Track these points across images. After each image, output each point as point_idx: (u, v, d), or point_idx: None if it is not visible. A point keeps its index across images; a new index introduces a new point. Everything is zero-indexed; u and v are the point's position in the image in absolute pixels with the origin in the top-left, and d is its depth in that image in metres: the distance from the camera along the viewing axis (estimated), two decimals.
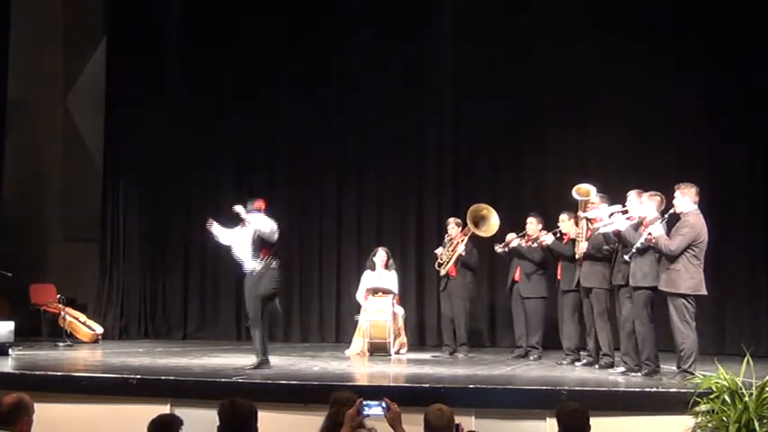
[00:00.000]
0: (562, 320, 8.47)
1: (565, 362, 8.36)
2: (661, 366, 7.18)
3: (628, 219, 7.23)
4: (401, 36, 10.90)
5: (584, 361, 8.14)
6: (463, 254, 9.18)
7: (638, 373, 7.12)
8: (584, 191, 7.97)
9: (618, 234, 7.22)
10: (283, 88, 11.08)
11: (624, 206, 7.38)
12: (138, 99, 11.30)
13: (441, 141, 10.95)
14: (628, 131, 10.08)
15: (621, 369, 7.41)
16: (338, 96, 11.17)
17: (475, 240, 9.32)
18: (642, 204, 7.17)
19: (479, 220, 9.24)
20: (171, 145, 11.42)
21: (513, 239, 9.01)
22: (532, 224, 8.98)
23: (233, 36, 11.17)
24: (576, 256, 7.99)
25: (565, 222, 8.39)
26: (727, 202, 9.55)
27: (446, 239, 9.41)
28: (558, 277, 8.49)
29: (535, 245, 8.78)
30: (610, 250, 7.54)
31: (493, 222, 9.20)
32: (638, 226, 7.12)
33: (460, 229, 9.30)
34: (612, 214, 7.47)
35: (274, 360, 8.50)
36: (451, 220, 9.46)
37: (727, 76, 9.89)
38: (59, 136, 12.02)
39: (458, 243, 9.22)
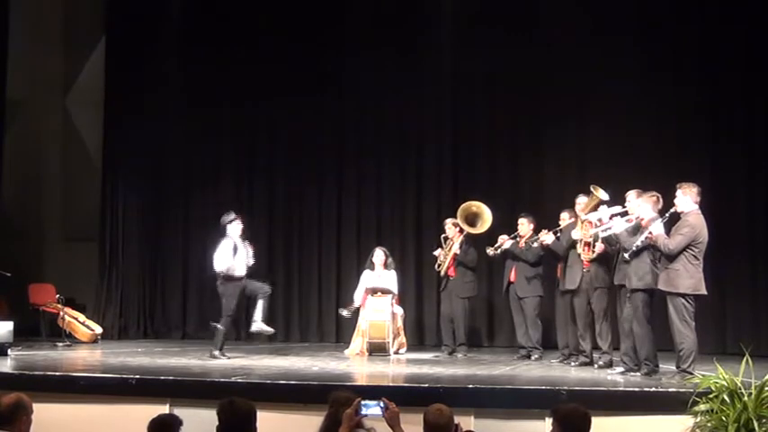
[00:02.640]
0: (563, 320, 8.45)
1: (562, 361, 8.37)
2: (660, 366, 7.18)
3: (627, 221, 7.23)
4: (400, 36, 10.90)
5: (581, 360, 8.12)
6: (458, 252, 9.18)
7: (637, 373, 7.12)
8: (598, 195, 7.93)
9: (616, 238, 7.23)
10: (282, 89, 11.06)
11: (624, 207, 7.38)
12: (138, 99, 11.29)
13: (440, 141, 10.94)
14: (627, 131, 10.06)
15: (621, 369, 7.40)
16: (337, 97, 11.15)
17: (473, 238, 9.32)
18: (639, 206, 7.18)
19: (472, 218, 9.24)
20: (170, 144, 11.42)
21: (505, 241, 9.00)
22: (524, 225, 8.98)
23: (232, 36, 11.17)
24: (582, 257, 7.94)
25: (566, 221, 8.37)
26: (728, 202, 9.54)
27: (443, 240, 9.42)
28: (559, 275, 8.47)
29: (535, 245, 8.77)
30: (618, 249, 7.53)
31: (486, 216, 9.21)
32: (636, 227, 7.13)
33: (457, 229, 9.30)
34: (612, 216, 7.45)
35: (274, 360, 8.54)
36: (449, 220, 9.46)
37: (727, 76, 9.90)
38: (58, 136, 12.00)
39: (452, 243, 9.23)
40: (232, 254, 8.69)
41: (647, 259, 6.96)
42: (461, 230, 9.25)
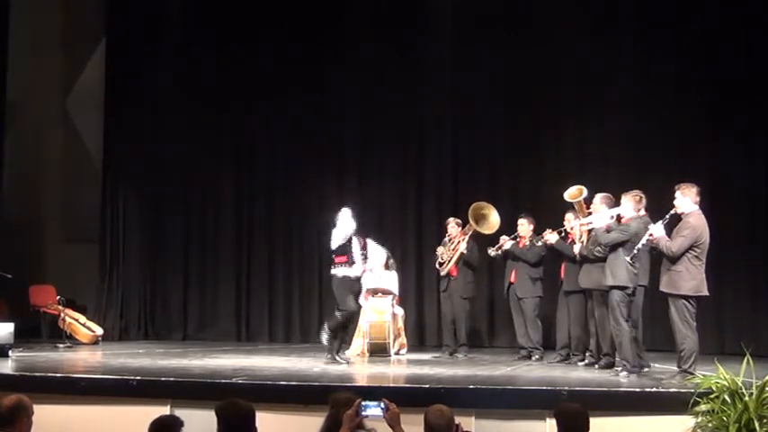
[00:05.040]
0: (566, 321, 8.44)
1: (560, 361, 8.40)
2: (661, 366, 7.17)
3: (609, 218, 7.26)
4: (401, 38, 10.90)
5: (587, 361, 8.12)
6: (465, 252, 9.17)
7: (638, 374, 7.10)
8: (575, 193, 7.96)
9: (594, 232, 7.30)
10: (282, 91, 11.08)
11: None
12: (138, 100, 11.29)
13: (440, 142, 10.95)
14: (627, 132, 10.09)
15: (620, 369, 7.39)
16: (338, 98, 11.14)
17: (475, 238, 9.31)
18: (621, 203, 7.22)
19: (480, 219, 9.23)
20: (170, 145, 11.42)
21: (505, 242, 9.01)
22: (523, 225, 8.99)
23: (232, 36, 11.17)
24: (577, 258, 7.99)
25: (570, 222, 8.36)
26: (728, 203, 9.53)
27: (446, 239, 9.40)
28: (562, 276, 8.47)
29: (540, 243, 8.76)
30: (601, 251, 7.53)
31: (493, 220, 9.20)
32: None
33: (460, 228, 9.29)
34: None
35: (275, 361, 8.53)
36: (451, 219, 9.46)
37: (727, 75, 9.89)
38: (59, 137, 12.00)
39: (459, 241, 9.21)
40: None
41: (621, 257, 6.97)
42: (464, 230, 9.21)
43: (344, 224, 8.45)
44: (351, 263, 8.34)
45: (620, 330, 7.05)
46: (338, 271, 8.35)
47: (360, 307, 8.61)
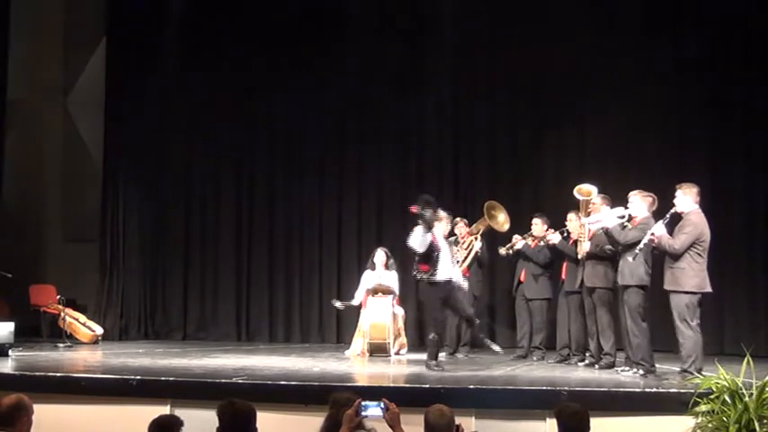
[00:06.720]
0: (568, 321, 8.43)
1: (560, 361, 8.40)
2: (662, 366, 7.17)
3: (619, 217, 7.25)
4: (401, 37, 10.90)
5: (587, 361, 8.12)
6: (479, 251, 9.15)
7: (653, 375, 7.10)
8: (586, 191, 7.95)
9: (606, 231, 7.26)
10: (282, 89, 11.08)
11: (626, 208, 7.37)
12: (138, 99, 11.27)
13: (440, 142, 10.94)
14: (627, 130, 10.08)
15: (622, 369, 7.40)
16: (338, 97, 11.15)
17: (484, 237, 9.29)
18: (633, 203, 7.20)
19: (490, 218, 9.20)
20: (170, 145, 11.42)
21: (518, 241, 8.99)
22: (537, 225, 8.95)
23: (233, 36, 11.17)
24: (579, 257, 7.98)
25: (572, 222, 8.34)
26: (727, 202, 9.54)
27: (451, 240, 9.37)
28: (563, 277, 8.47)
29: (542, 243, 8.76)
30: (612, 249, 7.52)
31: (501, 220, 9.18)
32: (625, 225, 7.16)
33: (467, 229, 9.27)
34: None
35: (275, 361, 8.51)
36: (459, 219, 9.41)
37: (727, 74, 9.90)
38: (59, 136, 12.00)
39: (472, 241, 9.18)
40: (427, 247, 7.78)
41: (640, 256, 6.95)
42: (472, 229, 9.19)
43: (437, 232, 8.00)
44: (433, 272, 7.78)
45: (639, 331, 7.04)
46: (421, 276, 7.88)
47: (445, 314, 8.11)
